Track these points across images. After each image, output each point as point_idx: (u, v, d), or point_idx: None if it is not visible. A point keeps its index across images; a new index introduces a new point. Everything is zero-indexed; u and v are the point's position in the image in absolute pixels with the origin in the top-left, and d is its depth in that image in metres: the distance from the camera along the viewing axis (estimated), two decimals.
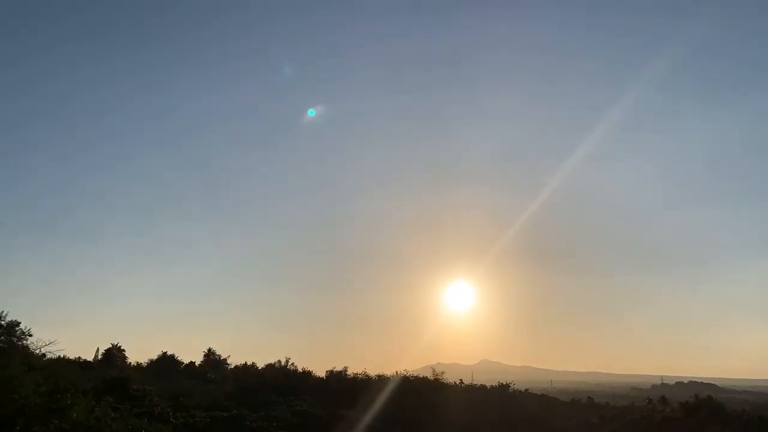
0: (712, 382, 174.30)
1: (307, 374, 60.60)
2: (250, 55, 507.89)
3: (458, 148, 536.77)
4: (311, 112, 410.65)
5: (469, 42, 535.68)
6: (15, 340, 27.66)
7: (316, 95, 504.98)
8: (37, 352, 26.88)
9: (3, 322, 27.70)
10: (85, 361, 67.24)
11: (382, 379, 53.62)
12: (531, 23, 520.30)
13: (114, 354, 75.39)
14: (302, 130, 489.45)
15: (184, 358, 77.64)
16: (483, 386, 57.55)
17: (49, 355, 27.95)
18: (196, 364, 75.73)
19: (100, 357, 74.49)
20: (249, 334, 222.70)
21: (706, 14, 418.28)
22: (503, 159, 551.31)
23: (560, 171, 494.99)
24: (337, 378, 56.62)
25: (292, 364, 63.93)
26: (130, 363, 75.33)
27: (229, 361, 77.20)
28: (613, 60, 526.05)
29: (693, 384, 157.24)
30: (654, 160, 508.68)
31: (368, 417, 37.29)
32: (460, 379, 55.58)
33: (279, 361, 64.76)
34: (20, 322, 28.21)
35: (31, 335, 27.77)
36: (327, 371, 58.81)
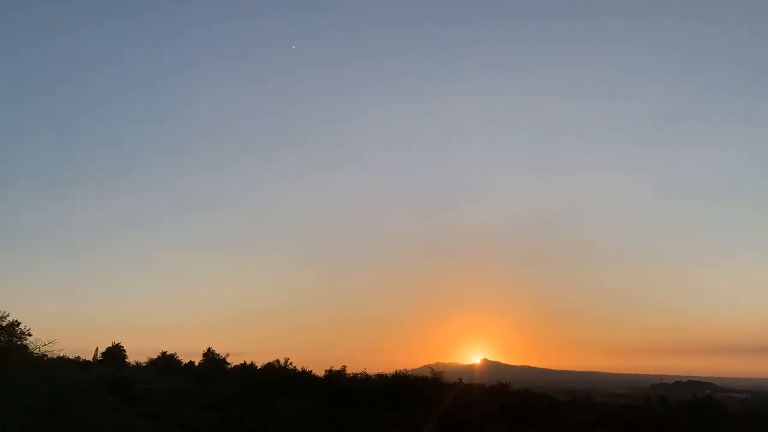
0: (711, 382, 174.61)
1: (306, 374, 60.69)
2: None
3: None
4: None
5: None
6: (15, 339, 27.65)
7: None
8: (37, 351, 26.84)
9: (3, 322, 27.68)
10: (85, 361, 67.42)
11: (381, 378, 53.75)
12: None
13: (114, 354, 75.59)
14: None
15: (184, 357, 77.86)
16: (482, 386, 57.62)
17: (48, 355, 27.91)
18: (196, 363, 75.88)
19: (99, 357, 74.69)
20: (249, 334, 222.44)
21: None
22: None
23: (558, 178, 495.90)
24: (336, 377, 56.70)
25: (291, 363, 64.08)
26: (129, 363, 75.55)
27: (228, 361, 77.41)
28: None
29: (692, 383, 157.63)
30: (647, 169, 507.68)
31: (368, 416, 37.35)
32: (459, 379, 55.65)
33: (278, 361, 64.88)
34: (20, 322, 28.19)
35: (30, 335, 27.73)
36: (326, 371, 58.93)
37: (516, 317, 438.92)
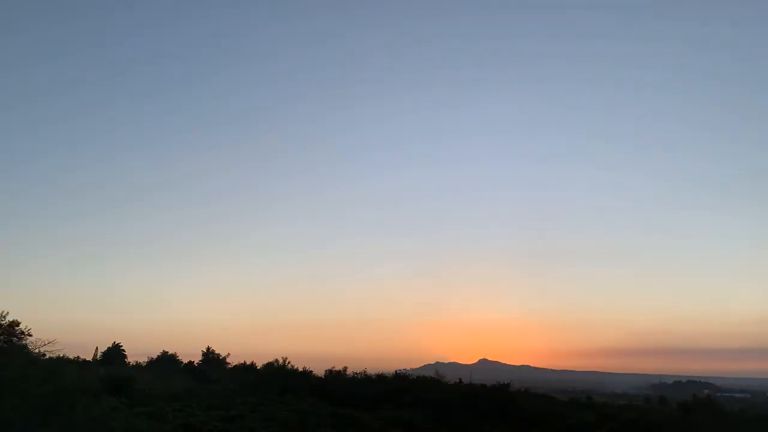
0: (711, 382, 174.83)
1: (306, 374, 60.76)
2: None
3: None
4: None
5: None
6: (15, 339, 27.70)
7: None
8: (37, 351, 26.88)
9: (3, 322, 27.74)
10: (85, 361, 67.56)
11: (381, 378, 53.80)
12: None
13: (113, 354, 75.74)
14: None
15: (184, 357, 78.09)
16: (482, 386, 57.68)
17: (48, 355, 27.95)
18: (195, 363, 76.08)
19: (99, 357, 74.86)
20: (248, 333, 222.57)
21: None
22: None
23: (559, 177, 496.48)
24: (336, 377, 56.77)
25: (290, 363, 64.18)
26: (129, 363, 75.72)
27: (228, 361, 77.59)
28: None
29: (691, 383, 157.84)
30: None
31: (368, 416, 37.37)
32: (459, 379, 55.67)
33: (278, 360, 64.99)
34: (20, 322, 28.25)
35: (30, 335, 27.79)
36: (326, 371, 58.98)
37: (516, 317, 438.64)
